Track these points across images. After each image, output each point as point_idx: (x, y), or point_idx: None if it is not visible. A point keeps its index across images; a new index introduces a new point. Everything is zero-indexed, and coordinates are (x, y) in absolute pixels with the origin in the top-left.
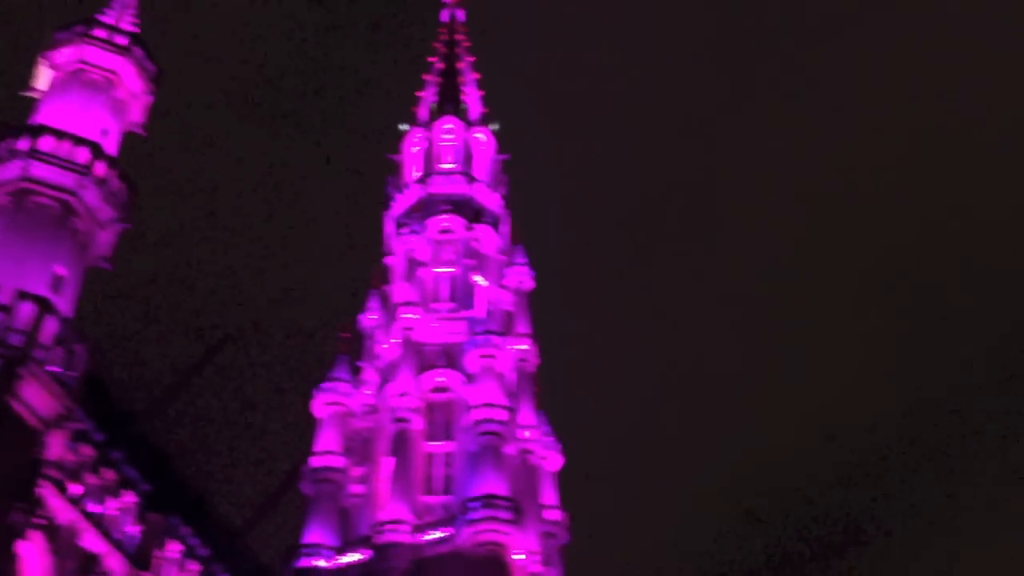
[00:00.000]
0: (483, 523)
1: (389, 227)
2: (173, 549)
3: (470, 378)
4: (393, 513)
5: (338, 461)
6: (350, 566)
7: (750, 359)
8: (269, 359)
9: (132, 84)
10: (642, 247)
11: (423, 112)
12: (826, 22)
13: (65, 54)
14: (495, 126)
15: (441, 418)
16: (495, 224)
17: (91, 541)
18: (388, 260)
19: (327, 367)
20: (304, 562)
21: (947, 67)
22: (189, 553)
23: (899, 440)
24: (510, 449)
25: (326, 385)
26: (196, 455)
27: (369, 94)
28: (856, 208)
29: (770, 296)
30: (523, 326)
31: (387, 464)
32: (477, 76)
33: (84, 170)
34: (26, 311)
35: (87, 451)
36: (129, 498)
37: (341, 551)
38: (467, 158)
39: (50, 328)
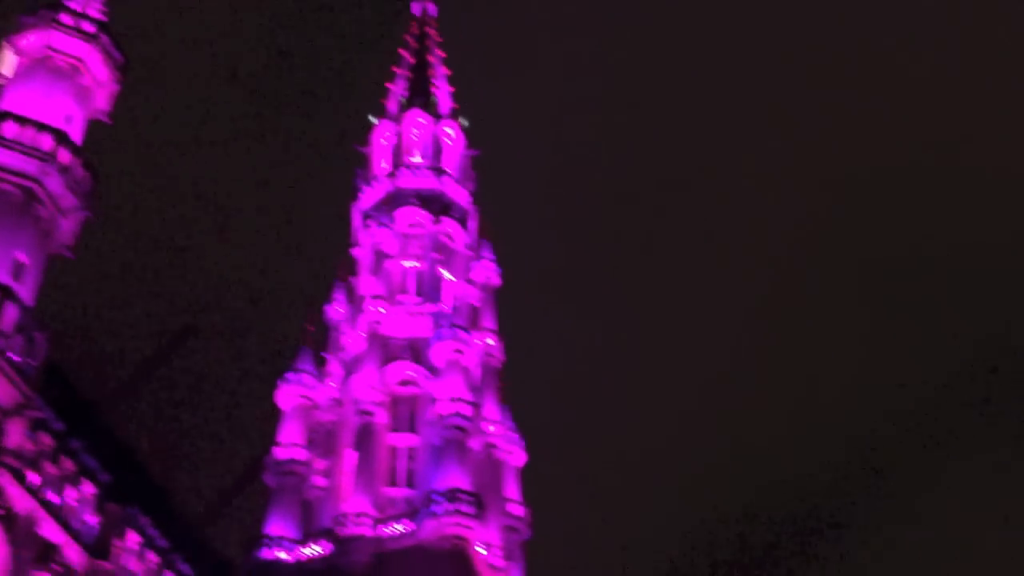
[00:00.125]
0: (446, 517)
1: (357, 219)
2: (132, 540)
3: (435, 372)
4: (355, 506)
5: (301, 453)
6: (312, 559)
7: (719, 356)
8: (233, 349)
9: (98, 72)
10: (613, 244)
11: (392, 105)
12: (828, 11)
13: (31, 39)
14: (465, 121)
15: (405, 412)
16: (463, 219)
17: (49, 530)
18: (355, 252)
19: (292, 358)
20: (265, 554)
21: (944, 69)
22: (148, 544)
23: (874, 440)
24: (474, 444)
25: (290, 377)
26: (157, 445)
27: (339, 84)
28: (848, 209)
29: (742, 295)
30: (489, 321)
31: (350, 457)
32: (447, 71)
33: (48, 157)
34: None
35: (46, 440)
36: (88, 488)
37: (303, 543)
38: (436, 152)
39: (10, 316)
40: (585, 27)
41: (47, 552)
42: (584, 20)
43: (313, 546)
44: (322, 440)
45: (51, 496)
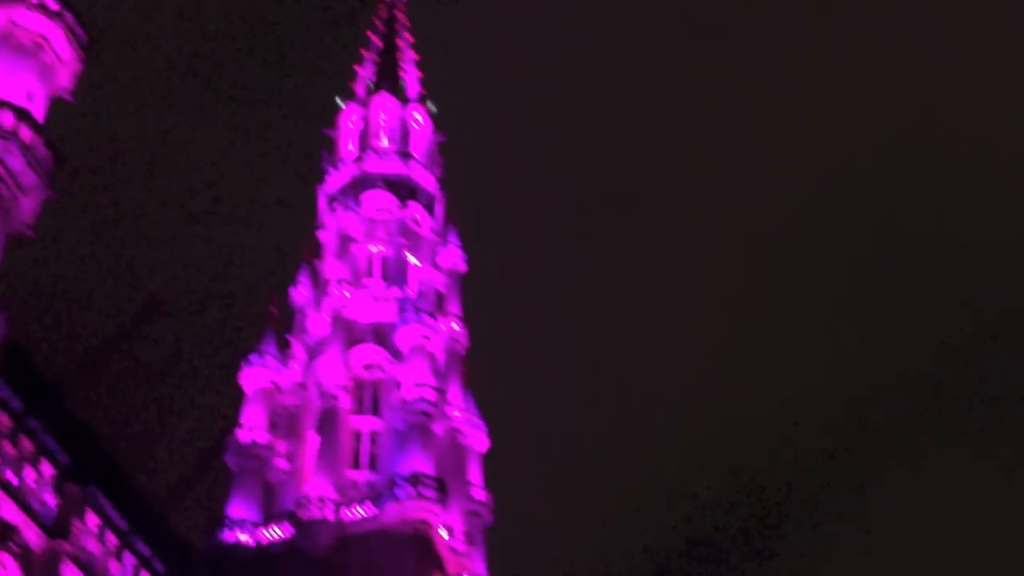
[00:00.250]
0: (409, 501)
1: (322, 202)
2: (92, 521)
3: (400, 357)
4: (318, 489)
5: (264, 436)
6: (273, 542)
7: (686, 343)
8: (197, 331)
9: (61, 50)
10: (579, 232)
11: (360, 88)
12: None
13: None
14: (432, 106)
15: (369, 396)
16: (430, 205)
17: (8, 511)
18: (320, 235)
19: (256, 340)
20: (226, 536)
21: (922, 58)
22: (108, 525)
23: (847, 427)
24: (438, 428)
25: (254, 359)
26: (118, 426)
27: (307, 65)
28: (821, 198)
29: (711, 281)
30: (455, 307)
31: (313, 440)
32: (416, 55)
33: (9, 135)
34: None
35: (4, 420)
36: (47, 469)
37: (264, 526)
38: (403, 137)
39: None
40: (555, 15)
41: (5, 533)
42: (554, 8)
43: (275, 529)
44: (285, 423)
45: (9, 476)
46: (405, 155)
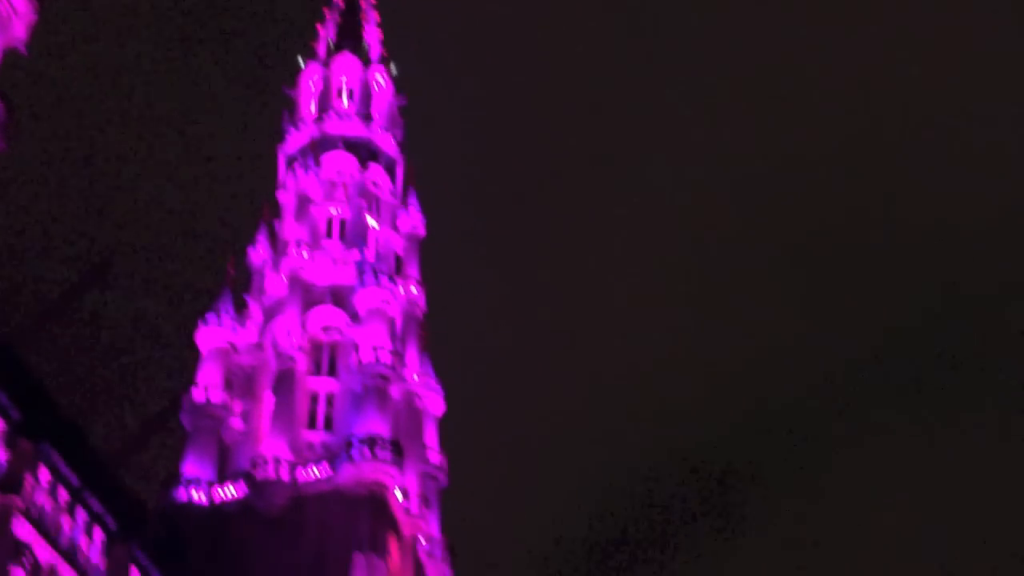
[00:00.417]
0: (364, 463)
1: (282, 162)
2: (44, 476)
3: (358, 319)
4: (273, 450)
5: (219, 396)
6: (227, 501)
7: (640, 314)
8: (153, 288)
9: (16, 1)
10: (538, 198)
11: (322, 48)
12: None
13: None
14: (394, 68)
15: (326, 358)
16: (390, 167)
17: None
18: (279, 195)
19: (213, 299)
20: (180, 494)
21: (870, 55)
22: (60, 481)
23: (790, 405)
24: (395, 391)
25: (210, 319)
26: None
27: (269, 21)
28: (769, 187)
29: (666, 250)
30: (414, 271)
31: (269, 401)
32: (378, 16)
33: None
34: None
35: None
36: None
37: (219, 485)
38: (364, 98)
39: None
40: None
41: None
42: None
43: (229, 488)
44: (241, 383)
45: None
46: (366, 117)
